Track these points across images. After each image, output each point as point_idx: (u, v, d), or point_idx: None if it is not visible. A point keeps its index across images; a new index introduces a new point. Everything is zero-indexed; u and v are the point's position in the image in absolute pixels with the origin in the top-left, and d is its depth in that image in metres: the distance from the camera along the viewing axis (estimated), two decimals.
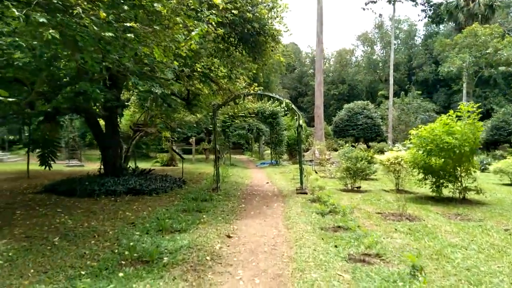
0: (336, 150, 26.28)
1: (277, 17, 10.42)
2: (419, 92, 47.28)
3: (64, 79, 7.40)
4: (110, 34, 4.49)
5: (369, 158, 11.77)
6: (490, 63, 27.19)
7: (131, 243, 5.20)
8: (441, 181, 9.57)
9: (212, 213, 7.76)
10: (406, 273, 4.27)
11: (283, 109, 23.42)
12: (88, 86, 6.63)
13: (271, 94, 10.64)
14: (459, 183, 9.41)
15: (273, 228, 6.68)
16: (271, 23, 9.92)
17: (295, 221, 7.09)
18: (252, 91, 10.93)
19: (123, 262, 4.66)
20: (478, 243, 5.62)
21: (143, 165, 19.40)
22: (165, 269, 4.45)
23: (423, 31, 62.54)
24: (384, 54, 63.44)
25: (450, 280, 4.13)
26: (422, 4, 38.95)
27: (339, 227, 6.66)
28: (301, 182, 10.90)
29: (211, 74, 11.51)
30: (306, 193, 10.44)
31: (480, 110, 9.32)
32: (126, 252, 4.88)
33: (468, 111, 9.14)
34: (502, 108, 35.49)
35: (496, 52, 24.99)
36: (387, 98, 55.33)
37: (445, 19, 37.59)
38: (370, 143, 36.14)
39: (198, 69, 9.13)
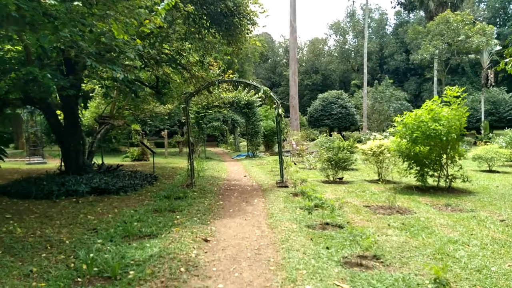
0: (313, 140, 25.91)
1: None
2: (391, 81, 47.86)
3: (9, 64, 6.35)
4: (54, 1, 3.59)
5: (350, 148, 11.30)
6: (461, 50, 27.51)
7: (91, 255, 4.38)
8: (425, 169, 9.22)
9: (187, 213, 7.00)
10: (412, 279, 3.72)
11: (258, 99, 22.79)
12: (37, 71, 5.65)
13: (247, 81, 9.91)
14: (445, 172, 9.09)
15: (255, 228, 6.02)
16: (246, 3, 9.12)
17: (279, 219, 6.46)
18: (226, 79, 10.13)
19: (79, 280, 3.86)
20: (478, 237, 5.19)
21: (111, 160, 18.25)
22: (130, 287, 3.69)
23: (394, 20, 63.27)
24: (356, 43, 63.81)
25: (464, 286, 3.61)
26: None
27: (327, 224, 6.09)
28: (281, 175, 10.29)
29: (182, 61, 10.63)
30: (287, 186, 9.85)
31: (464, 95, 8.98)
32: (84, 267, 4.08)
33: (454, 96, 8.77)
34: (470, 96, 36.43)
35: (468, 39, 25.31)
36: (359, 87, 55.81)
37: (417, 6, 37.81)
38: (344, 133, 36.19)
39: (167, 51, 8.22)
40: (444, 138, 8.28)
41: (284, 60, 68.78)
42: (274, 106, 10.02)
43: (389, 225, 5.89)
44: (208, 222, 6.40)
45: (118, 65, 6.03)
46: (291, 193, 8.95)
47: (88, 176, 9.48)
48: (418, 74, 55.86)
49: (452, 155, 8.96)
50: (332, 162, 10.48)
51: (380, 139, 10.72)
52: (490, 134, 27.20)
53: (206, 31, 9.49)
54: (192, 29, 9.25)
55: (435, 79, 36.74)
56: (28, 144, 19.22)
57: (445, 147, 8.75)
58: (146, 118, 23.49)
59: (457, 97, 8.83)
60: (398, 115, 9.27)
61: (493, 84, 31.06)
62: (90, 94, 15.80)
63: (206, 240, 5.35)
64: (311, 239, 5.24)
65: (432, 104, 8.77)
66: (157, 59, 7.70)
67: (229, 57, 11.48)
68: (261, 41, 54.76)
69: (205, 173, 13.80)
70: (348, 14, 66.03)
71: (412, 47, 55.23)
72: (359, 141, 22.70)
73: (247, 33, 10.11)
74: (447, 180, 9.00)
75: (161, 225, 6.06)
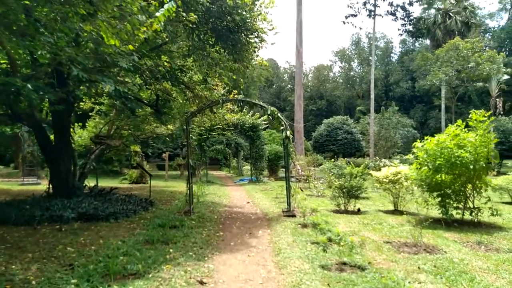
0: (320, 165, 25.03)
1: (260, 14, 9.09)
2: (397, 107, 47.34)
3: None
4: None
5: (363, 175, 10.44)
6: (471, 77, 26.99)
7: None
8: (447, 201, 8.32)
9: (182, 246, 6.11)
10: None
11: (264, 122, 22.16)
12: (17, 81, 4.96)
13: (253, 101, 9.22)
14: (470, 203, 8.19)
15: (261, 267, 5.12)
16: (254, 19, 8.55)
17: (288, 256, 5.56)
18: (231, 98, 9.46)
19: None
20: None
21: (108, 183, 17.44)
22: None
23: (399, 48, 63.60)
24: (361, 70, 64.00)
25: None
26: (402, 19, 39.02)
27: (344, 264, 5.18)
28: (289, 203, 9.41)
29: (184, 79, 10.02)
30: (295, 216, 8.95)
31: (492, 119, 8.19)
32: None
33: (480, 121, 7.98)
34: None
35: (478, 66, 24.84)
36: (365, 113, 55.37)
37: (424, 34, 37.77)
38: (349, 159, 35.30)
39: (165, 63, 7.56)
40: (471, 167, 7.44)
41: (289, 85, 68.90)
42: (282, 128, 9.28)
43: (419, 268, 4.97)
44: (206, 258, 5.52)
45: (109, 76, 5.34)
46: (300, 224, 8.05)
47: (78, 200, 8.67)
48: (424, 102, 55.43)
49: (479, 185, 8.08)
50: (344, 190, 9.61)
51: (396, 166, 9.87)
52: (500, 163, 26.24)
53: (211, 47, 8.89)
54: (196, 45, 8.65)
55: (443, 106, 36.15)
56: (24, 164, 18.50)
57: (471, 176, 7.89)
58: (147, 139, 22.89)
59: (483, 121, 8.04)
60: (418, 140, 8.48)
61: (502, 113, 30.34)
62: (90, 114, 15.23)
63: (201, 283, 4.47)
64: (328, 284, 4.34)
65: (456, 129, 7.98)
66: (155, 72, 7.02)
67: (234, 77, 10.85)
68: (266, 67, 55.02)
69: (205, 198, 12.92)
70: (353, 42, 66.58)
71: (418, 74, 55.14)
72: (368, 168, 21.80)
73: (254, 51, 9.53)
74: (473, 213, 8.07)
75: (151, 261, 5.18)
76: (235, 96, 10.19)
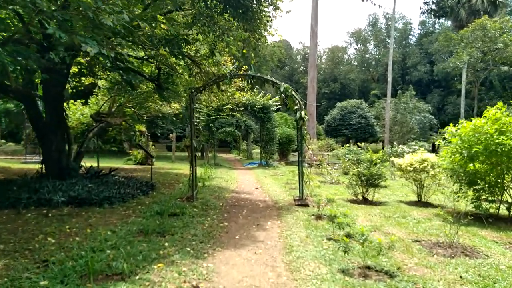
0: (332, 150, 24.06)
1: None
2: (414, 92, 45.62)
3: None
4: None
5: (383, 161, 9.49)
6: (497, 60, 25.31)
7: None
8: (481, 193, 7.37)
9: (180, 238, 5.35)
10: None
11: (275, 103, 21.16)
12: None
13: (265, 76, 8.26)
14: (508, 197, 7.22)
15: (269, 269, 4.32)
16: None
17: (301, 256, 4.74)
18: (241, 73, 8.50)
19: None
20: None
21: (112, 164, 16.82)
22: None
23: (418, 30, 61.03)
24: (377, 52, 61.83)
25: None
26: None
27: (368, 268, 4.35)
28: (301, 191, 8.56)
29: (190, 52, 9.11)
30: (308, 205, 8.12)
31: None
32: None
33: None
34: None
35: (507, 47, 23.17)
36: (379, 97, 53.57)
37: (448, 13, 35.67)
38: (362, 144, 34.14)
39: (163, 26, 6.60)
40: None
41: (302, 67, 67.20)
42: (296, 107, 8.34)
43: (461, 277, 4.09)
44: (205, 255, 4.74)
45: (95, 38, 4.45)
46: (313, 215, 7.22)
47: (71, 182, 7.96)
48: (442, 87, 53.34)
49: None
50: (363, 178, 8.70)
51: (422, 152, 8.89)
52: None
53: (219, 15, 7.91)
54: (203, 12, 7.68)
55: (463, 91, 34.52)
56: (26, 142, 17.98)
57: (509, 166, 6.90)
58: (153, 119, 22.12)
59: None
60: (451, 124, 7.47)
61: None
62: (92, 90, 14.48)
63: None
64: None
65: (496, 113, 6.93)
66: (151, 37, 6.11)
67: (244, 51, 9.88)
68: (279, 47, 53.30)
69: (211, 182, 12.17)
70: (370, 23, 64.15)
71: (437, 57, 52.91)
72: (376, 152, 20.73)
73: (268, 20, 8.51)
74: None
75: (141, 257, 4.42)
76: (245, 72, 9.23)
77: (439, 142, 7.93)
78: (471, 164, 7.20)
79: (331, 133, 40.40)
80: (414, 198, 9.37)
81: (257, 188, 11.46)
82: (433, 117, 42.23)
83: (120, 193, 7.80)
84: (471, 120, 7.22)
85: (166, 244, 5.04)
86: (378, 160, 9.19)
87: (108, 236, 5.22)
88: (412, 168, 8.57)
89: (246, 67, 8.83)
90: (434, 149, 46.01)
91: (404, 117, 35.52)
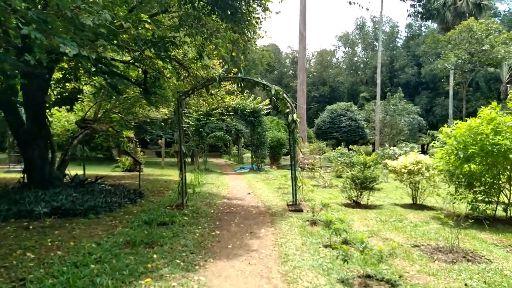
0: (323, 153, 23.95)
1: None
2: (402, 94, 45.94)
3: None
4: None
5: (375, 164, 9.35)
6: (484, 61, 25.57)
7: None
8: (478, 194, 7.25)
9: (169, 250, 5.06)
10: None
11: (266, 107, 20.97)
12: None
13: (255, 79, 8.05)
14: (505, 198, 7.11)
15: (264, 282, 4.07)
16: None
17: (298, 265, 4.51)
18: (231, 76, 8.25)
19: None
20: None
21: (99, 171, 16.39)
22: None
23: (405, 33, 61.72)
24: (365, 55, 62.31)
25: None
26: None
27: (369, 277, 4.13)
28: (295, 196, 8.34)
29: (177, 55, 8.86)
30: (302, 211, 7.89)
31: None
32: None
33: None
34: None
35: (493, 49, 23.45)
36: (368, 100, 53.85)
37: (434, 15, 36.05)
38: (353, 146, 34.16)
39: (147, 26, 6.33)
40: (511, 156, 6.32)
41: (291, 71, 67.36)
42: (288, 110, 8.14)
43: (466, 285, 3.90)
44: (196, 267, 4.46)
45: (73, 38, 4.18)
46: (308, 221, 6.99)
47: (54, 191, 7.60)
48: (430, 88, 53.89)
49: None
50: (357, 182, 8.52)
51: (415, 154, 8.76)
52: None
53: (207, 16, 7.69)
54: (190, 14, 7.44)
55: (451, 92, 34.85)
56: (10, 150, 17.42)
57: (507, 166, 6.79)
58: (141, 124, 21.69)
59: None
60: (445, 125, 7.35)
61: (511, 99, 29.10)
62: (77, 96, 14.09)
63: None
64: None
65: (491, 112, 6.83)
66: (135, 39, 5.83)
67: (234, 54, 9.67)
68: (268, 51, 53.26)
69: (202, 188, 11.87)
70: (358, 26, 64.60)
71: (424, 60, 53.54)
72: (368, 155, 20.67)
73: (257, 22, 8.31)
74: (509, 208, 7.00)
75: (127, 271, 4.14)
76: (235, 75, 8.99)
77: (434, 143, 7.81)
78: (466, 165, 7.09)
79: (321, 136, 40.38)
80: (409, 200, 9.23)
81: (249, 193, 11.21)
82: (421, 118, 42.58)
83: (106, 202, 7.46)
84: (464, 121, 7.11)
85: (155, 256, 4.75)
86: (372, 163, 9.04)
87: (92, 249, 4.91)
88: (406, 170, 8.43)
89: (236, 70, 8.59)
90: (423, 151, 46.39)
91: (394, 119, 35.69)
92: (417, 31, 59.52)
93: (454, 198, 7.27)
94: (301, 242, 5.54)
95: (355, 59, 64.12)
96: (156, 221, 6.49)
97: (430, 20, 42.74)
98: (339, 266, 4.42)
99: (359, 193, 8.73)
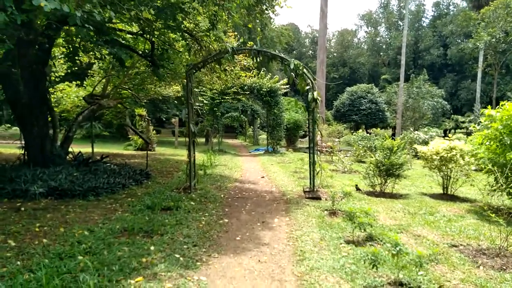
0: (341, 136, 23.01)
1: None
2: (427, 76, 43.90)
3: None
4: None
5: (403, 149, 8.48)
6: None
7: None
8: None
9: (169, 240, 4.47)
10: None
11: (282, 86, 20.07)
12: None
13: (272, 52, 7.24)
14: None
15: (275, 286, 3.43)
16: None
17: (316, 266, 3.84)
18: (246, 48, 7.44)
19: None
20: None
21: (110, 149, 16.08)
22: None
23: (432, 12, 58.73)
24: (388, 35, 59.78)
25: None
26: None
27: (401, 284, 3.43)
28: (312, 182, 7.63)
29: (188, 25, 8.11)
30: (320, 198, 7.19)
31: None
32: None
33: None
34: None
35: None
36: (390, 82, 51.89)
37: None
38: (371, 130, 32.90)
39: None
40: None
41: (310, 51, 65.56)
42: (308, 87, 7.34)
43: None
44: (198, 263, 3.86)
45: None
46: (327, 210, 6.30)
47: (55, 170, 7.12)
48: (456, 71, 51.48)
49: None
50: (382, 168, 7.72)
51: (450, 139, 7.87)
52: None
53: None
54: None
55: (479, 75, 32.95)
56: None
57: None
58: (157, 102, 21.16)
59: None
60: (489, 107, 6.43)
61: None
62: (88, 71, 13.57)
63: None
64: None
65: None
66: (139, 2, 5.06)
67: (250, 25, 8.83)
68: (287, 30, 51.60)
69: (214, 170, 11.29)
70: (382, 5, 61.87)
71: (451, 40, 50.92)
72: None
73: None
74: None
75: (117, 266, 3.57)
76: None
77: (473, 127, 6.90)
78: (510, 154, 6.19)
79: (340, 119, 39.18)
80: (438, 190, 8.41)
81: (263, 177, 10.56)
82: (446, 102, 40.70)
83: (108, 183, 6.94)
84: (496, 105, 6.17)
85: (152, 248, 4.17)
86: (398, 148, 8.18)
87: (83, 237, 4.37)
88: (438, 157, 7.56)
89: (252, 43, 7.80)
90: (446, 136, 44.63)
91: (417, 102, 34.09)
92: (445, 10, 56.52)
93: (494, 189, 6.41)
94: (319, 236, 4.86)
95: (378, 39, 61.71)
96: (160, 206, 5.94)
97: (456, 1, 40.05)
98: (364, 269, 3.73)
99: (384, 181, 7.94)
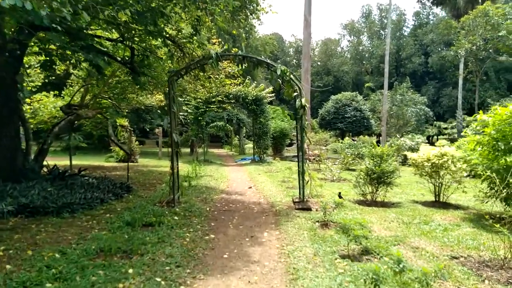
0: (327, 144, 22.90)
1: None
2: (410, 84, 44.52)
3: None
4: None
5: (392, 157, 8.29)
6: (500, 48, 24.18)
7: None
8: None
9: (150, 261, 4.08)
10: None
11: (268, 95, 19.87)
12: None
13: (259, 58, 6.98)
14: None
15: None
16: None
17: (311, 287, 3.52)
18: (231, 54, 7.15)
19: None
20: None
21: (92, 161, 15.50)
22: None
23: (412, 21, 60.09)
24: (371, 44, 60.78)
25: None
26: None
27: None
28: (302, 192, 7.33)
29: (170, 31, 7.81)
30: (310, 209, 6.89)
31: None
32: None
33: None
34: (497, 103, 33.01)
35: (510, 35, 22.08)
36: (373, 90, 52.50)
37: (446, 2, 34.53)
38: (355, 138, 33.00)
39: None
40: None
41: (295, 60, 66.01)
42: (295, 94, 7.09)
43: None
44: (181, 287, 3.48)
45: None
46: (318, 221, 6.00)
47: (27, 185, 6.62)
48: (437, 79, 52.53)
49: None
50: (373, 176, 7.49)
51: (440, 146, 7.72)
52: None
53: None
54: None
55: (461, 82, 33.60)
56: None
57: None
58: (140, 112, 20.63)
59: None
60: (481, 112, 6.28)
61: None
62: (65, 81, 13.06)
63: None
64: None
65: None
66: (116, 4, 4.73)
67: (234, 31, 8.58)
68: (271, 39, 51.82)
69: (199, 181, 10.89)
70: (364, 14, 63.07)
71: (432, 49, 52.04)
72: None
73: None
74: None
75: None
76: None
77: (465, 132, 6.75)
78: (502, 159, 6.04)
79: (325, 127, 39.23)
80: (429, 197, 8.23)
81: (250, 187, 10.22)
82: (429, 109, 41.31)
83: (85, 198, 6.48)
84: (477, 112, 6.04)
85: (131, 271, 3.77)
86: (388, 155, 7.98)
87: (53, 261, 3.93)
88: (430, 164, 7.39)
89: (236, 50, 7.53)
90: (430, 143, 45.23)
91: (401, 109, 34.48)
92: (425, 20, 57.90)
93: (489, 196, 6.24)
94: (312, 251, 4.54)
95: (360, 48, 62.67)
96: (140, 222, 5.53)
97: (440, 6, 41.05)
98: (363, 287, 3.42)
99: (375, 189, 7.70)
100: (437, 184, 7.70)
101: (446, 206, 7.45)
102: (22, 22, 5.23)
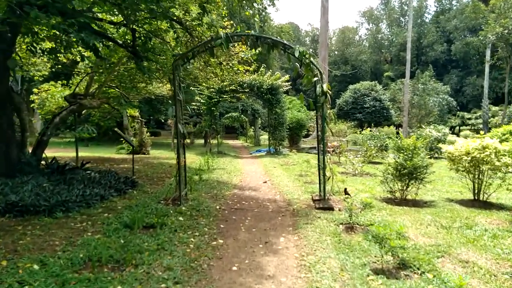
0: (346, 135, 21.92)
1: None
2: (432, 72, 42.64)
3: None
4: None
5: (425, 149, 7.39)
6: None
7: None
8: None
9: (143, 275, 3.42)
10: None
11: (284, 84, 18.99)
12: None
13: (275, 38, 6.18)
14: None
15: None
16: None
17: None
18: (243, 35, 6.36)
19: None
20: None
21: (104, 153, 15.07)
22: None
23: (434, 7, 57.64)
24: (390, 32, 58.70)
25: None
26: None
27: None
28: (323, 189, 6.54)
29: (176, 12, 7.07)
30: (332, 209, 6.11)
31: None
32: None
33: None
34: None
35: None
36: (393, 79, 50.77)
37: None
38: (377, 128, 31.72)
39: None
40: None
41: (311, 50, 64.37)
42: (315, 78, 6.28)
43: None
44: None
45: None
46: (342, 224, 5.23)
47: (21, 180, 6.08)
48: (460, 67, 50.32)
49: None
50: (403, 172, 6.64)
51: (481, 137, 6.79)
52: None
53: None
54: None
55: (487, 70, 31.82)
56: None
57: None
58: (155, 103, 20.11)
59: None
60: None
61: None
62: (72, 70, 12.55)
63: None
64: None
65: None
66: None
67: (247, 13, 7.79)
68: (287, 27, 50.52)
69: (211, 174, 10.22)
70: (383, 1, 60.84)
71: (455, 36, 49.79)
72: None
73: None
74: None
75: None
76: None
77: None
78: None
79: (343, 117, 38.04)
80: (467, 195, 7.32)
81: (265, 182, 9.50)
82: (452, 99, 39.54)
83: (83, 195, 5.87)
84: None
85: None
86: (418, 149, 7.07)
87: (29, 274, 3.30)
88: (469, 158, 6.48)
89: (250, 31, 6.73)
90: (453, 133, 43.39)
91: (423, 99, 32.96)
92: (448, 5, 55.38)
93: None
94: (339, 264, 3.78)
95: (379, 36, 60.68)
96: (140, 224, 4.88)
97: None
98: None
99: (405, 186, 6.85)
100: (477, 181, 6.79)
101: (487, 206, 6.55)
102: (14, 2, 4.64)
